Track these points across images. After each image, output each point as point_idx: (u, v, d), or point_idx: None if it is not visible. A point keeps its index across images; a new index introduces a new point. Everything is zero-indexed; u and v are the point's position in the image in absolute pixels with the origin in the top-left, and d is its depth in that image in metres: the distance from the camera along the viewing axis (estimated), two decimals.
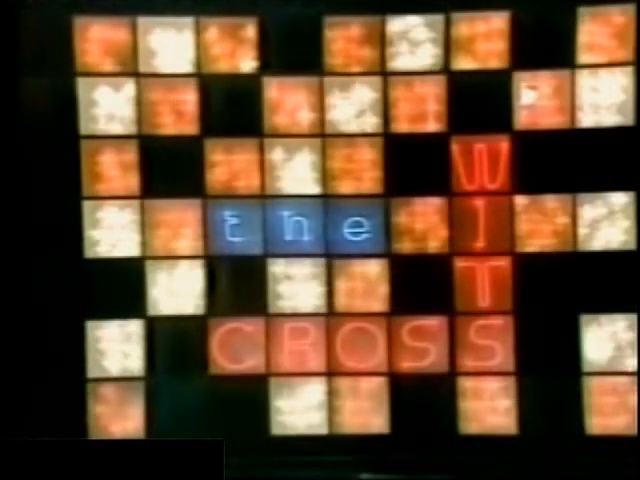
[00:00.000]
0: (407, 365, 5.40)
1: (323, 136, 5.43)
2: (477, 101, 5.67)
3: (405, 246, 5.77)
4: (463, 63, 5.62)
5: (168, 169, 5.42)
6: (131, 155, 5.41)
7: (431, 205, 5.80)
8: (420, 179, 5.44)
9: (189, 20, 5.34)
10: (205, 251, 5.40)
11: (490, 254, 5.64)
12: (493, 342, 5.58)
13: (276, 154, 5.45)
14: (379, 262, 5.71)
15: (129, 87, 5.43)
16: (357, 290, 5.70)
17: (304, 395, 5.42)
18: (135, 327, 5.37)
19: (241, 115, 5.44)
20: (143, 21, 5.36)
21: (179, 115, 5.41)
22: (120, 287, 5.36)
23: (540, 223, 5.57)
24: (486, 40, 5.47)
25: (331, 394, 5.40)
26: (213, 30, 5.37)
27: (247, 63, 5.50)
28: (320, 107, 5.42)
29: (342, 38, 5.40)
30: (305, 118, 5.46)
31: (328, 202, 5.46)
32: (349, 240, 5.45)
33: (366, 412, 5.40)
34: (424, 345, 5.40)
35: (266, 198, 5.42)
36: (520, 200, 5.64)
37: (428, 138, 5.66)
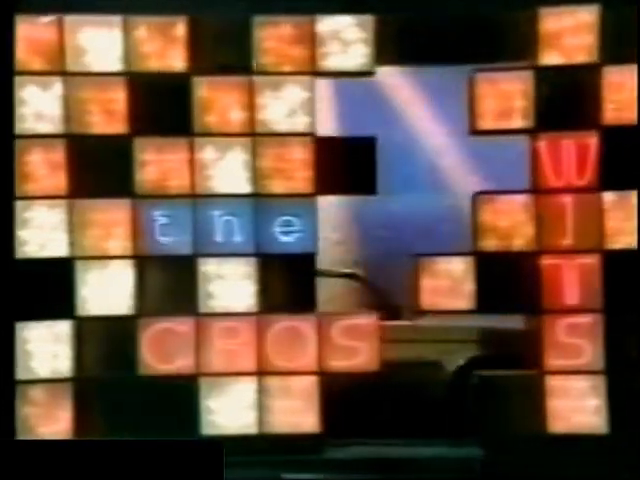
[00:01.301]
0: (338, 364, 5.43)
1: (254, 135, 5.43)
2: (564, 97, 5.60)
3: (490, 244, 5.52)
4: (550, 59, 5.43)
5: (97, 169, 5.37)
6: (60, 154, 5.36)
7: (517, 202, 5.72)
8: (348, 177, 5.48)
9: (118, 19, 5.31)
10: (135, 251, 5.37)
11: (578, 252, 5.45)
12: (581, 340, 5.45)
13: (207, 153, 5.43)
14: (465, 260, 5.52)
15: (57, 86, 5.38)
16: (441, 288, 5.50)
17: (235, 395, 5.40)
18: (64, 328, 5.33)
19: (171, 114, 5.39)
20: (71, 20, 5.33)
21: (108, 114, 5.36)
22: (49, 287, 5.31)
23: (629, 220, 5.50)
24: (574, 35, 5.40)
25: (261, 393, 5.40)
26: (143, 29, 5.34)
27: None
28: (251, 106, 5.42)
29: (272, 38, 5.39)
30: (236, 117, 5.44)
31: (259, 201, 5.45)
32: (280, 239, 5.47)
33: (297, 411, 5.41)
34: (355, 344, 5.43)
35: (196, 197, 5.40)
36: (608, 197, 5.59)
37: (514, 134, 5.43)
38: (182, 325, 5.36)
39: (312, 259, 5.49)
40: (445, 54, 5.77)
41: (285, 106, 5.45)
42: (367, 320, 5.46)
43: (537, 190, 5.43)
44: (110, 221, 5.36)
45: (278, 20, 5.39)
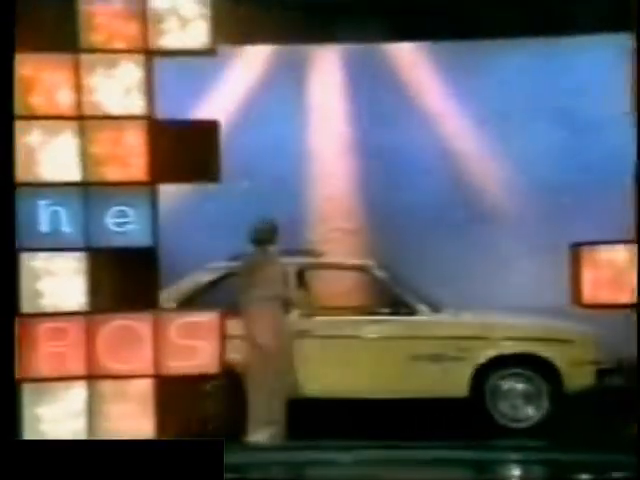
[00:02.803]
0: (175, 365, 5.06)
1: (84, 118, 4.98)
2: None
3: None
4: None
5: None
6: None
7: None
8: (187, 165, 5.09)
9: None
10: None
11: None
12: None
13: (32, 137, 4.94)
14: (629, 249, 4.98)
15: None
16: (603, 279, 5.05)
17: (63, 401, 4.90)
18: None
19: None
20: None
21: None
22: None
23: None
24: None
25: (93, 398, 4.96)
26: None
27: None
28: (80, 87, 4.97)
29: (102, 13, 4.90)
30: (65, 99, 4.94)
31: (90, 190, 4.97)
32: (113, 231, 5.03)
33: (131, 416, 5.02)
34: (194, 343, 5.06)
35: (21, 186, 4.91)
36: None
37: None
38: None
39: (151, 253, 5.08)
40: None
41: (119, 86, 5.03)
42: (208, 318, 5.09)
43: None
44: None
45: None
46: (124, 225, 5.02)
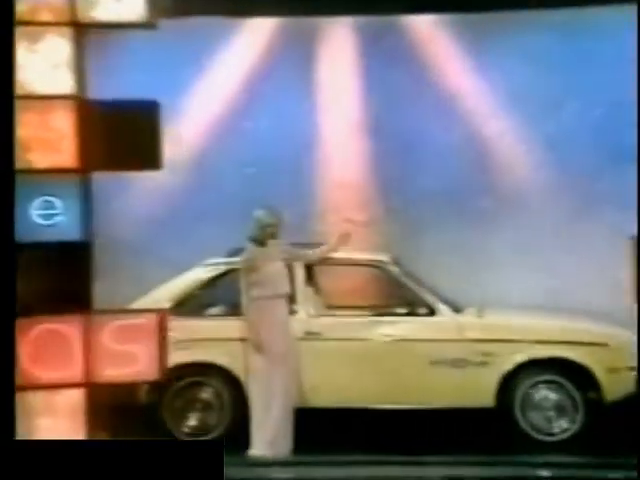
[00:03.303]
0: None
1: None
2: None
3: None
4: None
5: None
6: None
7: None
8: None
9: None
10: None
11: None
12: None
13: None
14: None
15: None
16: None
17: None
18: None
19: None
20: None
21: None
22: None
23: None
24: None
25: (17, 411, 4.48)
26: None
27: None
28: None
29: None
30: None
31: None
32: (39, 224, 4.54)
33: (60, 430, 4.57)
34: (131, 348, 4.59)
35: None
36: None
37: None
38: None
39: (82, 248, 4.63)
40: None
41: (44, 63, 4.57)
42: (146, 320, 4.62)
43: None
44: None
45: None
46: (52, 217, 4.57)
